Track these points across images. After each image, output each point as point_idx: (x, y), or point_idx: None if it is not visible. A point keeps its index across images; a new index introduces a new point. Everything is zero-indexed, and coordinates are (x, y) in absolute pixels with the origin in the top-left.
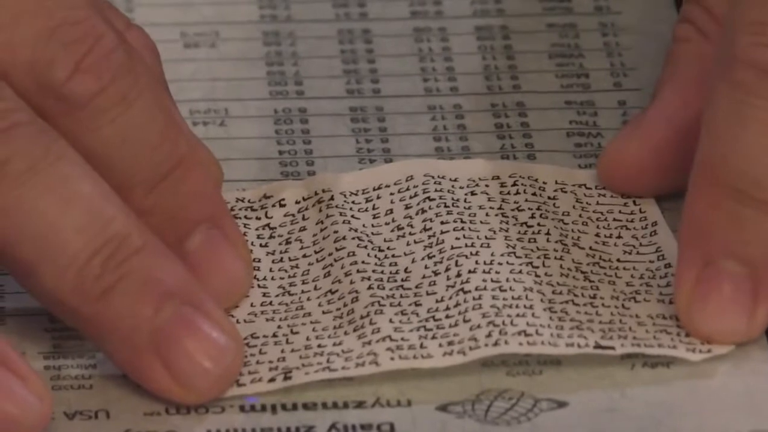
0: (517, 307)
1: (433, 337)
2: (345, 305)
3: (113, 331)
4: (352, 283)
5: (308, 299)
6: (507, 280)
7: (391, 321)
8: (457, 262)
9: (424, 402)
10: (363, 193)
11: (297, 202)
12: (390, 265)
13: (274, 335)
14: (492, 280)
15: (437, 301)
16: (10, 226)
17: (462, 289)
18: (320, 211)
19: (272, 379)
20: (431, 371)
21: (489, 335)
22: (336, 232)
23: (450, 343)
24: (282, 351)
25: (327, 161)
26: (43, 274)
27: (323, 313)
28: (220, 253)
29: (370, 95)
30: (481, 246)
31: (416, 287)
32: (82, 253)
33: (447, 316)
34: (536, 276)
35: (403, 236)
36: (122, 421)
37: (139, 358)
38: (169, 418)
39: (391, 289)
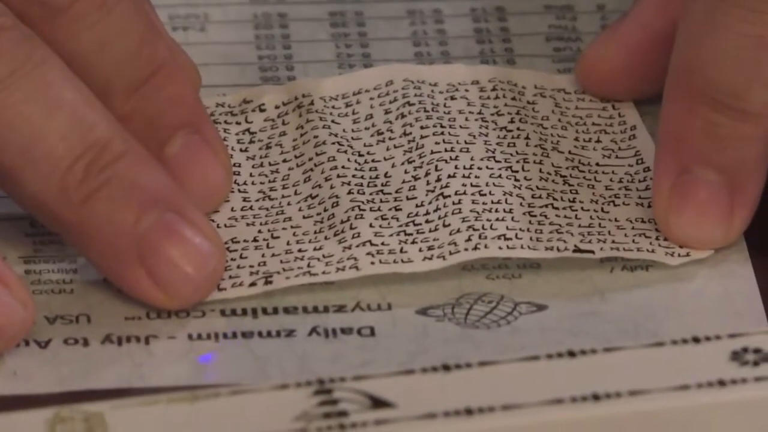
0: (496, 211)
1: (413, 242)
2: (325, 210)
3: (96, 237)
4: (332, 188)
5: (288, 204)
6: (486, 184)
7: (371, 226)
8: (436, 166)
9: (404, 306)
10: (343, 98)
11: (277, 107)
12: (370, 170)
13: (255, 240)
14: (472, 185)
15: (417, 206)
16: None
17: (442, 194)
18: (300, 116)
19: (253, 284)
20: (411, 275)
21: (469, 239)
22: (316, 137)
23: (430, 248)
24: (263, 255)
25: (307, 66)
26: (27, 180)
27: (303, 218)
28: (199, 158)
29: (349, 0)
30: (461, 151)
31: (396, 192)
32: (66, 158)
33: (427, 221)
34: (516, 180)
35: (383, 141)
36: (103, 326)
37: (123, 264)
38: (149, 323)
39: (371, 194)
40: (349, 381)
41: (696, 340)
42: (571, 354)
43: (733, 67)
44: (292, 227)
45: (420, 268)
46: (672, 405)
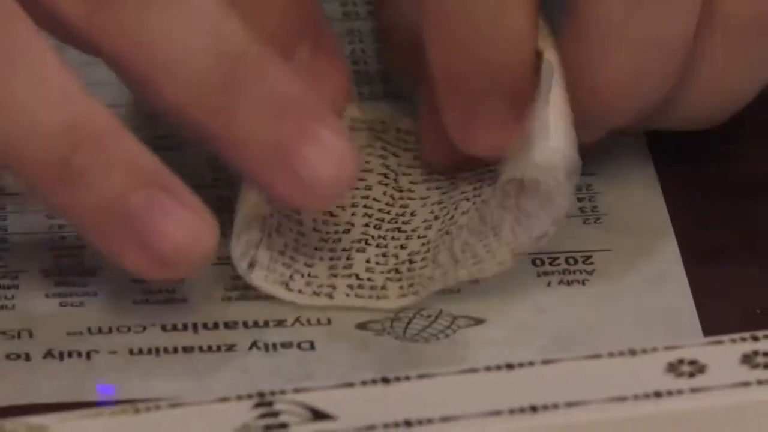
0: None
1: (399, 280)
2: (336, 233)
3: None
4: (353, 215)
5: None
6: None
7: (367, 261)
8: (457, 206)
9: (343, 320)
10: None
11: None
12: (400, 207)
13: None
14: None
15: (423, 245)
16: (128, 42)
17: (447, 231)
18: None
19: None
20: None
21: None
22: (367, 162)
23: (411, 285)
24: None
25: None
26: (166, 89)
27: (313, 230)
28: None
29: None
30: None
31: (412, 231)
32: (204, 67)
33: (422, 259)
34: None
35: (428, 181)
36: (45, 341)
37: (267, 167)
38: (90, 338)
39: (386, 230)
40: (290, 393)
41: (632, 352)
42: (509, 366)
43: None
44: (298, 233)
45: (392, 305)
46: (609, 416)
